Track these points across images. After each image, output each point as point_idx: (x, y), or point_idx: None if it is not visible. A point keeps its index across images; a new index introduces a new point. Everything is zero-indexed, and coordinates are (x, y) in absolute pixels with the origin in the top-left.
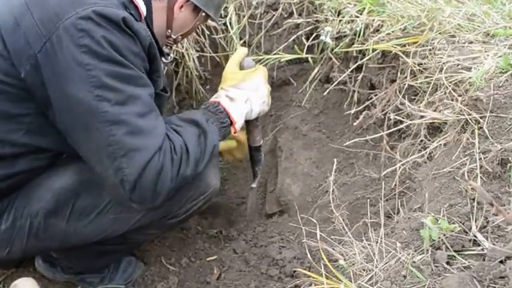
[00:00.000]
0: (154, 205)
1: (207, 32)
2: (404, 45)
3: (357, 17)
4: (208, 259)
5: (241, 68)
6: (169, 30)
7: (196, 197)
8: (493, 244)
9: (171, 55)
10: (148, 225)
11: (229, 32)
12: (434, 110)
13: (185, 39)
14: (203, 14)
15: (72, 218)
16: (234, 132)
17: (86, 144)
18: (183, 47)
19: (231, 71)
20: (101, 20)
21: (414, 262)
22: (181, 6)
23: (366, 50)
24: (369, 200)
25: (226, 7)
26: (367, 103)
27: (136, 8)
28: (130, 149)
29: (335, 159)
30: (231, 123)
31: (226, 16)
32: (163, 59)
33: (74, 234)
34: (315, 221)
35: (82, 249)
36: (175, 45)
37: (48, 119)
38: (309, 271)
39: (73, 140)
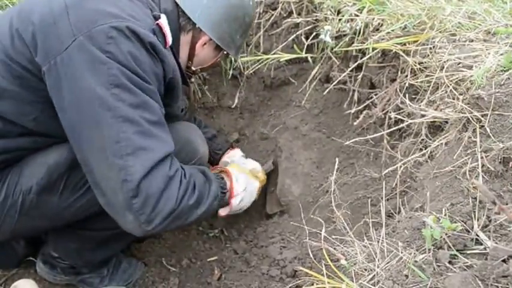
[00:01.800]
0: (149, 226)
1: None
2: (405, 44)
3: (357, 15)
4: (209, 260)
5: None
6: (190, 62)
7: (187, 162)
8: (496, 243)
9: (193, 80)
10: None
11: None
12: (435, 109)
13: None
14: (224, 52)
15: (65, 192)
16: (230, 207)
17: (91, 141)
18: None
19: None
20: (131, 36)
21: (416, 261)
22: (205, 43)
23: (366, 49)
24: (369, 200)
25: None
26: (367, 102)
27: (164, 36)
28: (139, 148)
29: (336, 159)
30: (229, 196)
31: None
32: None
33: (65, 209)
34: (321, 220)
35: (80, 242)
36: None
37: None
38: (310, 271)
39: (78, 138)
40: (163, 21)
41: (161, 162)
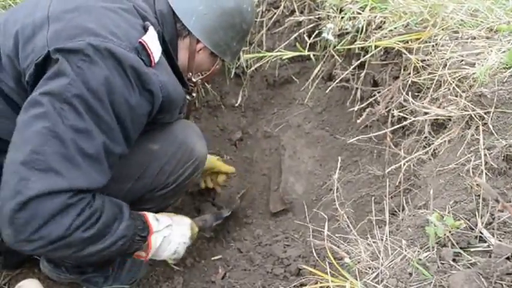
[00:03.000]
0: (27, 246)
1: None
2: (407, 42)
3: (359, 13)
4: (213, 259)
5: None
6: (190, 73)
7: (183, 164)
8: (499, 241)
9: (194, 94)
10: (141, 199)
11: None
12: (438, 107)
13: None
14: (220, 59)
15: None
16: (148, 246)
17: (16, 141)
18: None
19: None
20: (108, 57)
21: (420, 259)
22: (200, 49)
23: (369, 47)
24: (373, 198)
25: None
26: (370, 100)
27: (148, 54)
28: (52, 169)
29: (339, 157)
30: (147, 234)
31: None
32: (187, 96)
33: None
34: (324, 216)
35: None
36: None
37: None
38: (314, 269)
39: (15, 134)
40: (148, 37)
41: (66, 192)
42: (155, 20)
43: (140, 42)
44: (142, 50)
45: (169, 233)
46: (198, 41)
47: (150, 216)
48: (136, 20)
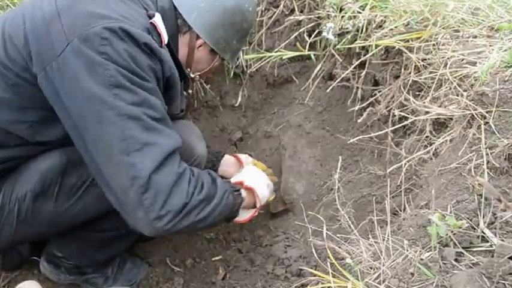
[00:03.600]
0: (160, 222)
1: None
2: (408, 41)
3: (359, 12)
4: (213, 259)
5: None
6: (189, 69)
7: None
8: (502, 240)
9: (190, 91)
10: None
11: None
12: (440, 106)
13: None
14: (220, 56)
15: (59, 197)
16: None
17: (96, 142)
18: None
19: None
20: (125, 36)
21: (422, 259)
22: (200, 45)
23: (369, 46)
24: (374, 198)
25: None
26: (371, 100)
27: (159, 35)
28: (145, 143)
29: (340, 157)
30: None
31: None
32: (184, 92)
33: (61, 215)
34: (325, 217)
35: (84, 242)
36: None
37: (55, 117)
38: (315, 270)
39: (83, 140)
40: (157, 19)
41: (169, 157)
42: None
43: (151, 23)
44: (153, 31)
45: (251, 170)
46: (198, 37)
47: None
48: (141, 10)
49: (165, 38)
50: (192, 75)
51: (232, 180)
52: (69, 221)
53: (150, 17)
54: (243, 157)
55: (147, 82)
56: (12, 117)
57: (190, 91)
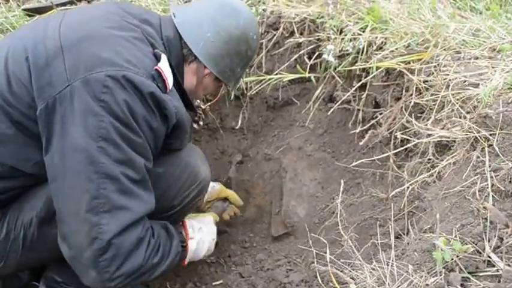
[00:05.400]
0: (111, 283)
1: None
2: (409, 63)
3: (360, 34)
4: (214, 284)
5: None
6: (199, 101)
7: (188, 187)
8: (508, 265)
9: (201, 123)
10: None
11: None
12: (442, 128)
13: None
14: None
15: None
16: (185, 253)
17: (69, 192)
18: None
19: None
20: (128, 86)
21: (427, 285)
22: (206, 74)
23: (370, 68)
24: (377, 221)
25: None
26: (372, 122)
27: (163, 80)
28: (116, 206)
29: (342, 180)
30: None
31: None
32: (195, 125)
33: None
34: (325, 242)
35: None
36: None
37: None
38: None
39: (57, 185)
40: (163, 64)
41: (136, 223)
42: (162, 46)
43: (156, 69)
44: (158, 77)
45: (201, 235)
46: (205, 67)
47: (187, 223)
48: (147, 48)
49: (170, 84)
50: (203, 107)
51: (188, 227)
52: None
53: (157, 56)
54: (210, 185)
55: (138, 137)
56: (18, 154)
57: (201, 123)
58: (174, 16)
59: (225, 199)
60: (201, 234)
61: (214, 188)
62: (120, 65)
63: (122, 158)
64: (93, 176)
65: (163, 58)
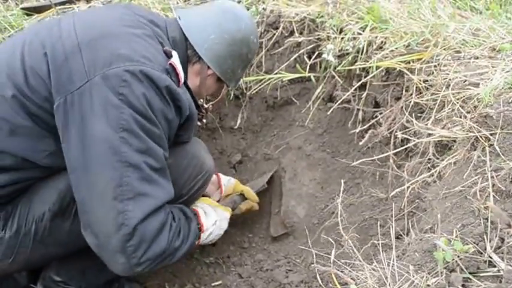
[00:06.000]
0: (138, 267)
1: None
2: (409, 62)
3: (360, 34)
4: (213, 284)
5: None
6: (201, 100)
7: (195, 176)
8: (509, 265)
9: (204, 121)
10: None
11: None
12: (443, 128)
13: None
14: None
15: (77, 216)
16: (198, 243)
17: (93, 182)
18: None
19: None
20: (145, 80)
21: (428, 285)
22: (208, 75)
23: (370, 67)
24: (377, 221)
25: None
26: (372, 121)
27: (177, 75)
28: (140, 193)
29: (342, 180)
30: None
31: None
32: (199, 123)
33: (78, 234)
34: (328, 240)
35: (84, 265)
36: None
37: None
38: None
39: (79, 177)
40: (175, 59)
41: (159, 209)
42: (169, 46)
43: (170, 64)
44: (172, 71)
45: (213, 229)
46: (208, 67)
47: (201, 212)
48: (158, 46)
49: (182, 77)
50: (205, 106)
51: (201, 214)
52: (82, 241)
53: (167, 53)
54: (225, 180)
55: (156, 128)
56: (31, 146)
57: (205, 121)
58: (180, 19)
59: (241, 194)
60: (213, 228)
61: (230, 181)
62: (137, 60)
63: (142, 148)
64: (116, 165)
65: (175, 54)
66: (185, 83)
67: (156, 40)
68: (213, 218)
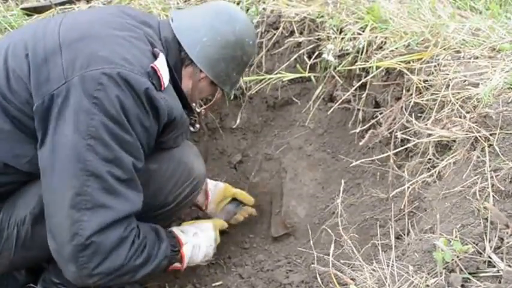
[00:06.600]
0: (89, 279)
1: None
2: (409, 62)
3: (360, 34)
4: (213, 285)
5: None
6: (194, 104)
7: (182, 183)
8: (509, 266)
9: (197, 126)
10: (141, 219)
11: None
12: (442, 128)
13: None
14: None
15: None
16: (181, 258)
17: (56, 188)
18: None
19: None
20: (122, 83)
21: (428, 286)
22: (201, 78)
23: (370, 67)
24: (377, 221)
25: None
26: (372, 121)
27: (158, 78)
28: (99, 205)
29: (342, 180)
30: (179, 247)
31: None
32: (191, 128)
33: None
34: (328, 240)
35: None
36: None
37: None
38: None
39: (46, 179)
40: (160, 62)
41: (118, 222)
42: (161, 47)
43: (152, 67)
44: (153, 75)
45: (197, 240)
46: (200, 71)
47: (176, 230)
48: (146, 46)
49: (166, 81)
50: (198, 110)
51: (176, 232)
52: None
53: (155, 55)
54: (212, 185)
55: (128, 135)
56: (11, 150)
57: (198, 126)
58: (172, 20)
59: (235, 200)
60: (196, 239)
61: (218, 186)
62: (115, 63)
63: (109, 157)
64: (79, 173)
65: (161, 56)
66: (178, 86)
67: (146, 41)
68: (191, 232)
